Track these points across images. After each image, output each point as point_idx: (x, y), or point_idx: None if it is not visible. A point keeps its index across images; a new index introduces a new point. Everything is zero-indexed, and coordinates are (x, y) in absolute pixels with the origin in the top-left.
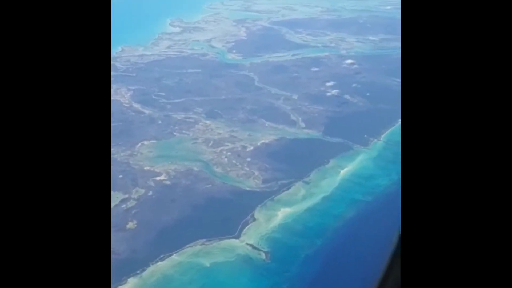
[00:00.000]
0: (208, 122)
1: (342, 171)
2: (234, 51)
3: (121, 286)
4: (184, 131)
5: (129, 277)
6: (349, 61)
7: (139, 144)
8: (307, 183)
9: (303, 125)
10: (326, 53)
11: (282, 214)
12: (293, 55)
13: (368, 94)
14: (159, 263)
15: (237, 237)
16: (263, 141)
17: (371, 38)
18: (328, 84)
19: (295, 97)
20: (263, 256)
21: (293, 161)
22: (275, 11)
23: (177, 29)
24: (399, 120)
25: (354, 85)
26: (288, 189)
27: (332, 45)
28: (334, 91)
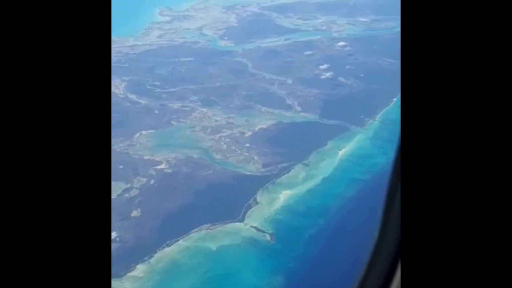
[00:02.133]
0: (204, 109)
1: (340, 152)
2: (225, 38)
3: (130, 273)
4: (181, 120)
5: (137, 264)
6: (341, 43)
7: (137, 134)
8: (306, 165)
9: (299, 108)
10: (318, 36)
11: (284, 196)
12: (285, 39)
13: (362, 75)
14: (166, 249)
15: (241, 221)
16: (260, 126)
17: (361, 19)
18: (322, 67)
19: (289, 81)
20: (268, 237)
21: (292, 144)
22: None
23: (167, 18)
24: (393, 99)
25: (347, 67)
26: (288, 172)
27: (324, 28)
28: (328, 74)
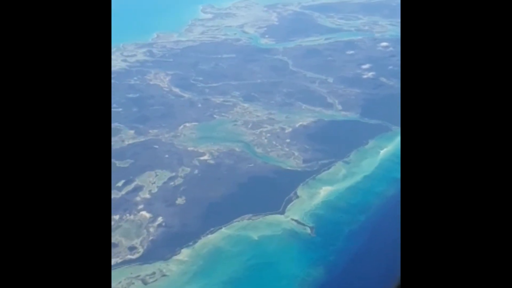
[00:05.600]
0: (246, 105)
1: (381, 151)
2: (266, 36)
3: (175, 256)
4: (223, 114)
5: (182, 248)
6: (384, 44)
7: (182, 126)
8: (347, 163)
9: (340, 107)
10: (360, 37)
11: (324, 192)
12: (326, 39)
13: None
14: (210, 235)
15: (282, 213)
16: (301, 123)
17: None
18: (364, 67)
19: (330, 80)
20: (308, 230)
21: (332, 142)
22: None
23: (209, 15)
24: None
25: (390, 67)
26: (328, 168)
27: (366, 28)
28: (370, 74)
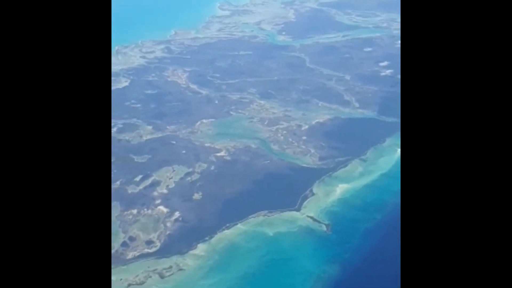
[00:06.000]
0: (262, 102)
1: (399, 150)
2: (283, 33)
3: (191, 251)
4: (240, 111)
5: (198, 243)
6: None
7: (199, 123)
8: (364, 160)
9: (357, 105)
10: (378, 34)
11: (341, 189)
12: (344, 36)
13: None
14: (226, 231)
15: (298, 210)
16: (317, 120)
17: None
18: (382, 64)
19: (347, 77)
20: (324, 228)
21: (349, 139)
22: None
23: (226, 12)
24: None
25: None
26: (345, 166)
27: (384, 25)
28: (388, 71)
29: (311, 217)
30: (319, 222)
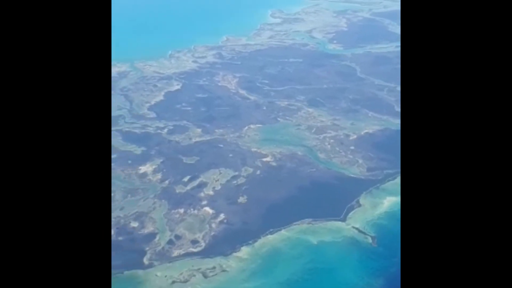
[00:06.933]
0: (310, 109)
1: None
2: (335, 41)
3: (235, 253)
4: (287, 117)
5: (242, 246)
6: None
7: (246, 127)
8: None
9: None
10: None
11: (388, 202)
12: (397, 46)
13: None
14: (269, 236)
15: (343, 220)
16: (366, 130)
17: None
18: None
19: (399, 88)
20: (370, 240)
21: (399, 152)
22: (376, 2)
23: (278, 20)
24: None
25: None
26: (394, 179)
27: None
28: None
29: (357, 228)
30: (364, 233)
